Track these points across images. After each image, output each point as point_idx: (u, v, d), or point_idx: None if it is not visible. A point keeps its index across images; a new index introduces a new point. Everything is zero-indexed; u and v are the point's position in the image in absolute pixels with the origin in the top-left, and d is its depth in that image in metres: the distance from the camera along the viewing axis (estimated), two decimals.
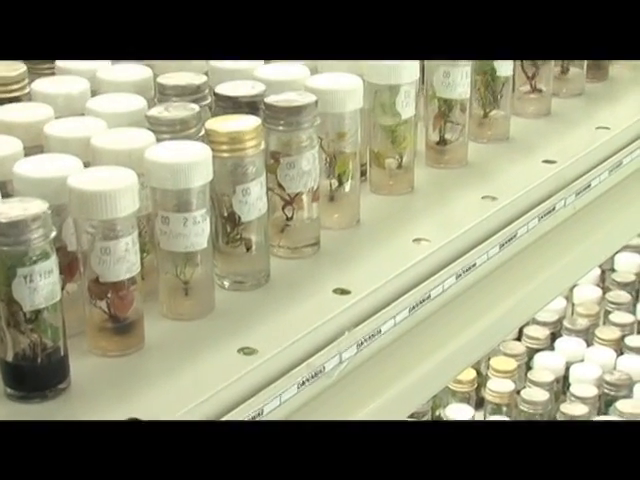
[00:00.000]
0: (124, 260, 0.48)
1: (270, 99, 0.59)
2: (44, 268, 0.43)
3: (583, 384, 1.59)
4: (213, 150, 0.53)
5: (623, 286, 1.83)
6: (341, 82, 0.65)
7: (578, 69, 0.96)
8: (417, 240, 0.65)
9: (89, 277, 0.49)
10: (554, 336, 1.75)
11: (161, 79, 0.64)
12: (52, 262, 0.44)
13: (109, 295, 0.49)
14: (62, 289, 0.47)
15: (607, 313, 1.80)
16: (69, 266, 0.51)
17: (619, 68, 1.04)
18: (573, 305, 1.83)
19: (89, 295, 0.50)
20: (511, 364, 1.65)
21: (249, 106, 0.60)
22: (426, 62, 0.75)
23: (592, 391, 1.58)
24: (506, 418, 1.56)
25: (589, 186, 0.81)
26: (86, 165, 0.51)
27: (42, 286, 0.43)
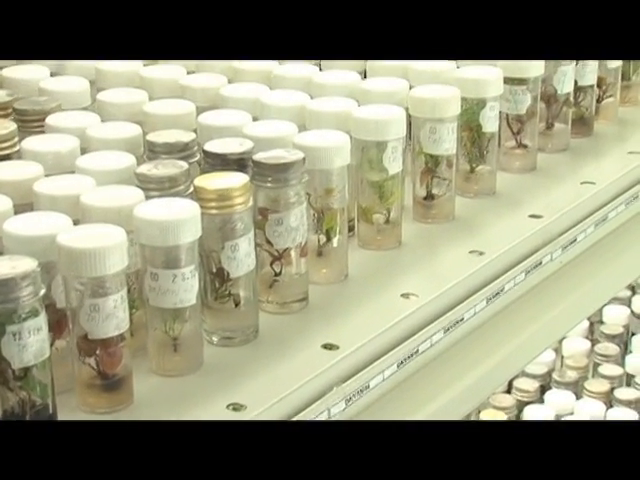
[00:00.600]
0: (113, 317, 0.48)
1: (258, 156, 0.60)
2: (33, 325, 0.43)
3: None
4: (202, 207, 0.53)
5: (611, 338, 1.83)
6: (329, 139, 0.66)
7: (563, 125, 0.97)
8: (405, 295, 0.65)
9: (78, 334, 0.49)
10: (543, 389, 1.75)
11: (150, 137, 0.65)
12: (41, 319, 0.44)
13: (98, 352, 0.49)
14: (51, 346, 0.47)
15: (596, 365, 1.80)
16: (58, 323, 0.50)
17: (604, 123, 1.06)
18: (562, 358, 1.83)
19: (78, 352, 0.50)
20: (501, 417, 1.63)
21: (237, 163, 0.61)
22: (412, 118, 0.76)
23: None
24: None
25: (575, 240, 0.82)
26: (75, 223, 0.52)
27: (31, 343, 0.43)
